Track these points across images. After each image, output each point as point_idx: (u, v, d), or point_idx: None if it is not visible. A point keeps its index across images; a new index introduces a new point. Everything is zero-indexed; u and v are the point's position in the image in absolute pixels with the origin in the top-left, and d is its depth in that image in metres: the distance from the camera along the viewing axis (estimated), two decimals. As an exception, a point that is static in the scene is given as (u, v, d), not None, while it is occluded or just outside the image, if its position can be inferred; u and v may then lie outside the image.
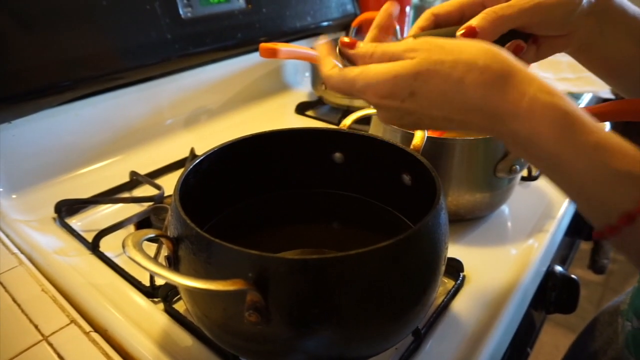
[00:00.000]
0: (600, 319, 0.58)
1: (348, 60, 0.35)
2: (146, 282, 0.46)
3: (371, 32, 0.37)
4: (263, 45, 0.63)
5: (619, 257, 1.83)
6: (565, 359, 0.65)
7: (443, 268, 0.35)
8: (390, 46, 0.32)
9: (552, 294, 0.54)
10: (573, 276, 0.55)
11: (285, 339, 0.30)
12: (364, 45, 0.34)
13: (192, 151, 0.69)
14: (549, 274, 0.55)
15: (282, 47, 0.64)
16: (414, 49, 0.30)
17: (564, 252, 0.71)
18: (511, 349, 0.46)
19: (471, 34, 0.33)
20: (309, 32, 0.97)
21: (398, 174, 0.44)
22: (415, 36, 0.37)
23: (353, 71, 0.32)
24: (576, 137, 0.27)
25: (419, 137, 0.43)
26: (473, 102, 0.28)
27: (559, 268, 0.56)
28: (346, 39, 0.34)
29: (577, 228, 0.65)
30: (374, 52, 0.32)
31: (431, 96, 0.29)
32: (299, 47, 0.70)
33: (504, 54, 0.29)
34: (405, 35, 1.02)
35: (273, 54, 0.63)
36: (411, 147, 0.42)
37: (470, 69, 0.28)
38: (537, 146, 0.28)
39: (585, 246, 0.88)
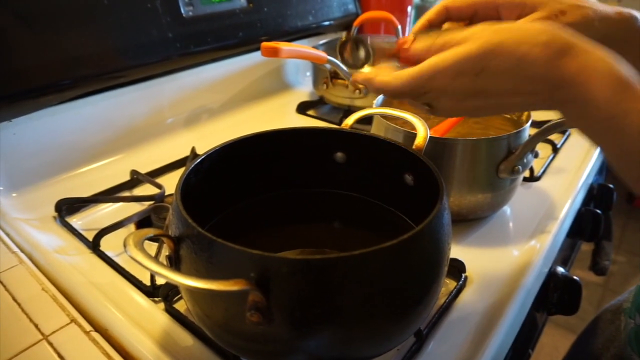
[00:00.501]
0: (603, 317, 0.58)
1: (406, 61, 0.36)
2: (147, 281, 0.46)
3: (420, 23, 0.39)
4: (265, 44, 0.63)
5: (619, 258, 1.83)
6: (567, 357, 0.65)
7: (446, 269, 0.35)
8: (449, 35, 0.33)
9: (554, 295, 0.54)
10: (575, 277, 0.54)
11: (287, 340, 0.30)
12: (422, 40, 0.34)
13: (192, 150, 0.69)
14: (551, 275, 0.55)
15: (284, 46, 0.64)
16: (474, 34, 0.31)
17: (566, 253, 0.70)
18: (513, 350, 0.46)
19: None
20: (311, 32, 0.97)
21: (400, 174, 0.43)
22: (415, 35, 0.37)
23: (417, 66, 0.33)
24: (631, 100, 0.28)
25: (422, 137, 0.43)
26: (539, 72, 0.30)
27: (561, 269, 0.55)
28: (400, 40, 0.36)
29: (579, 229, 0.65)
30: (434, 44, 0.33)
31: (499, 70, 0.31)
32: (301, 46, 0.70)
33: (562, 31, 0.31)
34: (407, 34, 1.02)
35: (275, 53, 0.63)
36: (413, 147, 0.42)
37: (534, 45, 0.30)
38: (594, 108, 0.29)
39: (585, 247, 0.88)
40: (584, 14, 0.35)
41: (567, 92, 0.30)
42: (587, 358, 0.58)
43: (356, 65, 0.80)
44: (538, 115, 0.57)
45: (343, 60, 0.80)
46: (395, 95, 0.36)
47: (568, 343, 0.63)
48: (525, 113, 0.56)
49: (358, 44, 0.79)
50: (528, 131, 0.53)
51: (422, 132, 0.43)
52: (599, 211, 0.66)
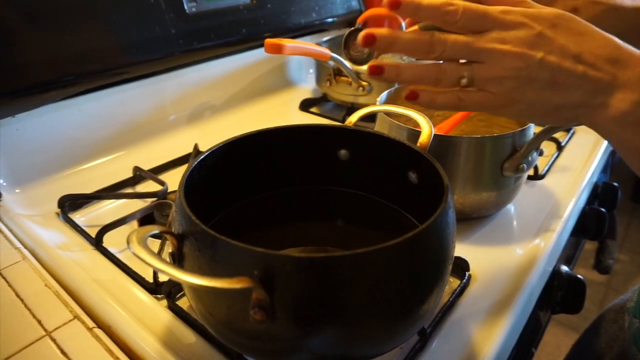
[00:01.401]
0: (606, 316, 0.57)
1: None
2: (149, 278, 0.46)
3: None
4: (268, 40, 0.63)
5: (622, 257, 1.83)
6: (569, 356, 0.65)
7: (450, 267, 0.35)
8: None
9: (558, 294, 0.54)
10: (579, 276, 0.54)
11: (290, 338, 0.30)
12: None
13: (195, 147, 0.69)
14: (555, 273, 0.54)
15: (287, 43, 0.64)
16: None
17: (570, 251, 0.70)
18: (516, 349, 0.46)
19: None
20: (314, 29, 0.97)
21: (404, 171, 0.43)
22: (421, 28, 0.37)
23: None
24: None
25: (426, 134, 0.43)
26: (606, 49, 0.31)
27: (565, 268, 0.55)
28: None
29: (583, 227, 0.65)
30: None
31: (570, 32, 0.31)
32: (304, 43, 0.70)
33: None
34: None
35: (278, 49, 0.63)
36: (417, 144, 0.41)
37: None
38: None
39: (588, 246, 0.87)
40: (598, 10, 0.34)
41: (632, 73, 0.30)
42: (589, 357, 0.57)
43: (360, 59, 0.79)
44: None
45: (348, 53, 0.79)
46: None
47: (570, 342, 0.63)
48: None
49: None
50: (533, 129, 0.53)
51: (427, 130, 0.43)
52: (603, 210, 0.66)
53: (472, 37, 0.33)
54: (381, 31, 0.33)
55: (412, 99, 0.37)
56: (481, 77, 0.33)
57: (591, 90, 0.31)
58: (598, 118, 0.32)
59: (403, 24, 0.92)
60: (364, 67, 0.78)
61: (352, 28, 0.79)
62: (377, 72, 0.35)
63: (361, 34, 0.34)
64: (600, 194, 0.76)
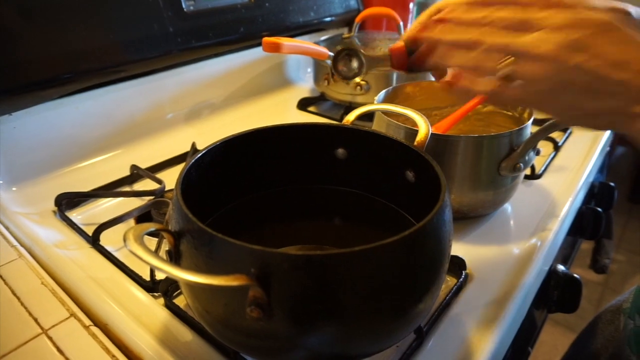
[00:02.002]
0: (602, 317, 0.57)
1: (399, 67, 0.41)
2: (146, 276, 0.46)
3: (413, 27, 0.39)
4: (266, 39, 0.63)
5: (619, 257, 1.83)
6: (566, 357, 0.65)
7: (447, 266, 0.35)
8: None
9: (555, 293, 0.54)
10: (575, 275, 0.54)
11: (287, 336, 0.30)
12: None
13: (193, 146, 0.69)
14: (552, 273, 0.54)
15: (285, 41, 0.64)
16: None
17: (566, 251, 0.70)
18: (512, 347, 0.46)
19: None
20: (312, 28, 0.97)
21: (401, 170, 0.43)
22: (405, 41, 0.37)
23: None
24: None
25: (423, 133, 0.43)
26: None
27: (561, 267, 0.55)
28: (391, 47, 0.39)
29: (580, 227, 0.65)
30: None
31: (616, 40, 0.31)
32: (302, 42, 0.70)
33: None
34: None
35: (276, 48, 0.63)
36: (415, 143, 0.41)
37: None
38: None
39: (584, 246, 0.88)
40: None
41: None
42: (586, 358, 0.58)
43: (349, 75, 0.79)
44: (540, 113, 0.57)
45: (337, 72, 0.80)
46: None
47: (567, 341, 0.63)
48: (527, 110, 0.56)
49: (351, 55, 0.78)
50: (530, 128, 0.53)
51: (424, 129, 0.43)
52: (600, 209, 0.66)
53: (511, 38, 0.33)
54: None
55: (451, 85, 0.37)
56: (518, 74, 0.33)
57: (629, 99, 0.31)
58: (634, 127, 0.32)
59: (401, 24, 0.92)
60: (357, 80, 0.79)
61: (340, 48, 0.79)
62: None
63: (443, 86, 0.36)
64: (596, 194, 0.77)
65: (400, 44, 0.43)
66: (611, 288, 1.70)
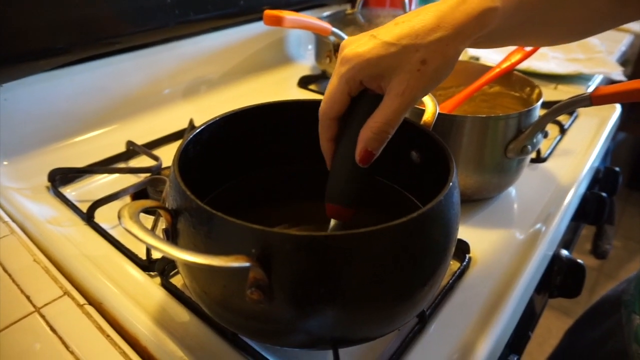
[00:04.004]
0: (600, 308, 0.57)
1: None
2: (142, 255, 0.45)
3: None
4: (268, 12, 0.61)
5: (615, 242, 1.84)
6: (561, 345, 0.65)
7: (453, 250, 0.34)
8: None
9: (557, 278, 0.53)
10: (579, 261, 0.53)
11: (288, 319, 0.29)
12: None
13: (191, 122, 0.67)
14: (555, 258, 0.54)
15: (288, 15, 0.62)
16: None
17: (568, 236, 0.70)
18: (514, 332, 0.46)
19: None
20: (314, 2, 0.94)
21: (406, 150, 0.42)
22: None
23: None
24: None
25: (430, 112, 0.41)
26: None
27: (565, 252, 0.55)
28: None
29: (583, 212, 0.64)
30: None
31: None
32: (305, 16, 0.67)
33: None
34: (413, 7, 0.99)
35: (278, 21, 0.61)
36: (422, 123, 0.40)
37: None
38: None
39: (583, 231, 0.87)
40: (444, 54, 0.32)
41: None
42: (582, 349, 0.57)
43: None
44: (547, 95, 0.55)
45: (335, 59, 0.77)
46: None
47: (561, 324, 0.63)
48: (536, 91, 0.54)
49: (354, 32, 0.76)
50: (539, 110, 0.51)
51: (431, 108, 0.42)
52: (604, 195, 0.65)
53: None
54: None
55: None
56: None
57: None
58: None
59: (406, 1, 0.90)
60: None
61: (335, 41, 0.77)
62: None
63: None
64: (601, 179, 0.76)
65: None
66: (606, 274, 1.71)
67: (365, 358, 0.37)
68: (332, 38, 0.77)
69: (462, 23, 0.30)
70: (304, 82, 0.86)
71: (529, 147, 0.49)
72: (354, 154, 0.34)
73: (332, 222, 0.36)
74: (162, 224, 0.47)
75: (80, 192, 0.55)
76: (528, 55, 0.60)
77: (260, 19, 0.63)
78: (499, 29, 0.32)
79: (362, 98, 0.34)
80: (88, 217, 0.49)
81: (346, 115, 0.34)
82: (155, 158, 0.58)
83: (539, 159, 0.63)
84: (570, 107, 0.49)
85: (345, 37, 0.73)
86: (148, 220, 0.49)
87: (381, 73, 0.31)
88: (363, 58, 0.31)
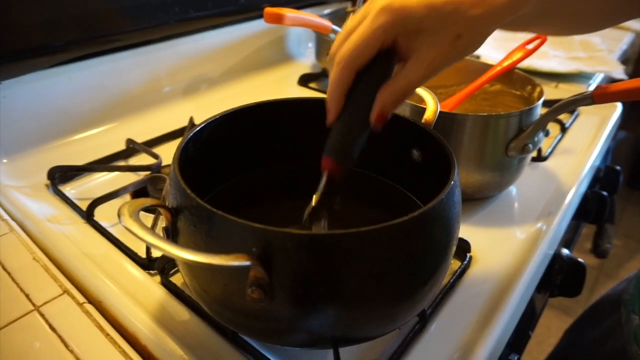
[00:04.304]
0: (600, 307, 0.57)
1: None
2: (142, 253, 0.44)
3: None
4: (268, 9, 0.61)
5: (615, 241, 1.84)
6: (561, 344, 0.65)
7: (454, 249, 0.34)
8: None
9: (558, 277, 0.53)
10: (580, 260, 0.53)
11: (288, 318, 0.29)
12: None
13: (191, 120, 0.67)
14: (556, 257, 0.54)
15: (288, 12, 0.61)
16: None
17: (569, 235, 0.69)
18: (515, 332, 0.45)
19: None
20: (315, 0, 0.93)
21: (407, 149, 0.42)
22: None
23: None
24: None
25: (431, 110, 0.41)
26: None
27: (565, 251, 0.54)
28: None
29: (584, 211, 0.64)
30: None
31: None
32: (305, 13, 0.67)
33: None
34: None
35: (278, 19, 0.60)
36: (422, 121, 0.40)
37: None
38: None
39: (584, 230, 0.87)
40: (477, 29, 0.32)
41: None
42: (582, 348, 0.57)
43: None
44: (548, 94, 0.55)
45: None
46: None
47: (560, 323, 0.63)
48: (537, 90, 0.54)
49: None
50: (540, 109, 0.51)
51: (432, 106, 0.41)
52: (605, 193, 0.65)
53: None
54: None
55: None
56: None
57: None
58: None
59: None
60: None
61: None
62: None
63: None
64: (602, 178, 0.75)
65: None
66: (606, 273, 1.71)
67: (366, 357, 0.37)
68: (332, 36, 0.77)
69: (502, 4, 0.30)
70: (304, 80, 0.85)
71: (530, 145, 0.49)
72: (364, 114, 0.33)
73: (322, 181, 0.36)
74: (162, 223, 0.47)
75: (80, 190, 0.55)
76: (529, 53, 0.60)
77: (260, 16, 0.63)
78: (524, 15, 0.32)
79: (381, 57, 0.32)
80: (88, 215, 0.49)
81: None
82: (155, 156, 0.58)
83: (539, 158, 0.63)
84: (572, 105, 0.49)
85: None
86: (148, 218, 0.49)
87: (418, 33, 0.31)
88: (407, 11, 0.30)
